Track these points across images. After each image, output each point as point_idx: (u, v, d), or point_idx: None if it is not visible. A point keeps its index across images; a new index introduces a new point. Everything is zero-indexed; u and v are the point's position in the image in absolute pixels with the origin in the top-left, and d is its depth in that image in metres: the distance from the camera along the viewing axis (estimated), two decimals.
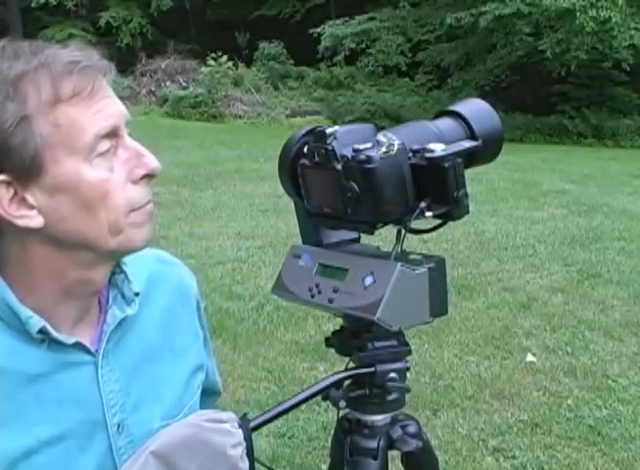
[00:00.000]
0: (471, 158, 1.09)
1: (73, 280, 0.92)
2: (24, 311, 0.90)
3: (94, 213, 0.88)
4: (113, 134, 0.89)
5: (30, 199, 0.86)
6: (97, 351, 0.95)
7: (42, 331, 0.90)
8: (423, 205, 1.02)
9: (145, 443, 0.93)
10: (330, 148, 1.01)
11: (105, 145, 0.88)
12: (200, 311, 1.16)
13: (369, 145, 1.00)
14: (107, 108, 0.88)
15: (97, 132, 0.86)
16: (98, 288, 0.96)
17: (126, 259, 1.00)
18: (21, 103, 0.84)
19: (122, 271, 1.00)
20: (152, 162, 0.91)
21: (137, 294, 1.00)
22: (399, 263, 1.01)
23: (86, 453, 0.94)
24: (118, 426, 0.96)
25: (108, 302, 0.99)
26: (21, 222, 0.87)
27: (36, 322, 0.89)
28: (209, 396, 1.24)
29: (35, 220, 0.87)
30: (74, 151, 0.86)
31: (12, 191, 0.86)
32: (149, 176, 0.91)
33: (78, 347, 0.93)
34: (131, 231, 0.91)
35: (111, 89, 0.91)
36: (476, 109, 1.15)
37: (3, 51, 0.86)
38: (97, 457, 0.94)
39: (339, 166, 1.01)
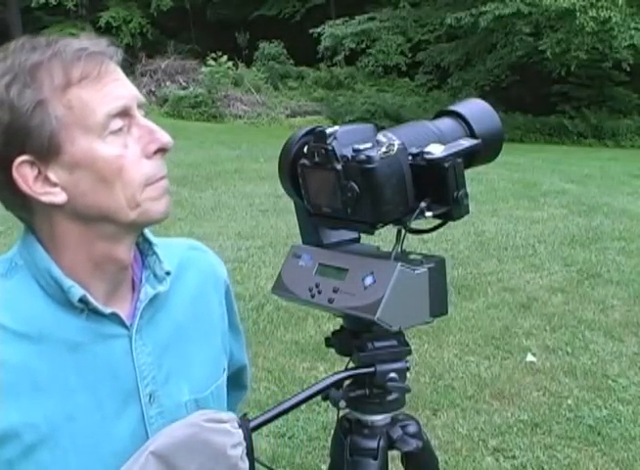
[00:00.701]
0: (471, 157, 1.09)
1: (100, 254, 0.99)
2: (67, 281, 0.97)
3: (111, 188, 0.94)
4: (125, 114, 0.95)
5: (53, 176, 0.94)
6: (131, 325, 1.02)
7: (82, 300, 0.97)
8: (423, 205, 1.02)
9: (174, 414, 1.02)
10: (330, 148, 1.01)
11: (117, 123, 0.94)
12: (229, 297, 1.22)
13: (369, 145, 1.00)
14: (117, 90, 0.95)
15: (108, 112, 0.93)
16: (124, 264, 1.02)
17: (159, 243, 1.09)
18: (37, 89, 0.92)
19: (154, 253, 1.08)
20: (164, 137, 0.98)
21: (168, 273, 1.07)
22: (399, 263, 1.01)
23: (121, 421, 1.00)
24: (150, 396, 1.02)
25: (141, 281, 1.06)
26: (45, 199, 0.94)
27: (78, 291, 0.96)
28: (235, 389, 1.29)
29: (59, 196, 0.94)
30: (88, 130, 0.93)
31: (36, 170, 0.93)
32: (162, 150, 0.98)
33: (114, 319, 1.00)
34: (149, 204, 0.98)
35: (121, 72, 0.98)
36: (476, 109, 1.15)
37: (23, 46, 0.94)
38: (130, 425, 1.00)
39: (339, 166, 1.01)
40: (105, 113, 0.93)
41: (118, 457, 0.97)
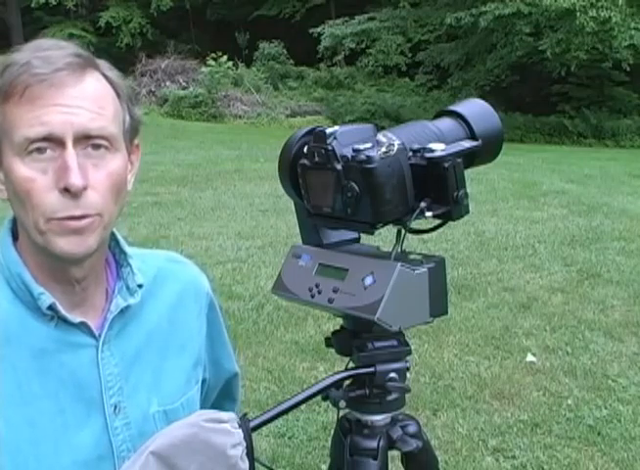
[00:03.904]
0: (471, 158, 1.10)
1: (48, 265, 0.99)
2: (37, 288, 0.98)
3: (24, 207, 0.95)
4: (56, 141, 0.93)
5: (1, 175, 0.98)
6: (100, 335, 1.02)
7: (51, 308, 0.97)
8: (423, 205, 1.02)
9: (141, 425, 1.03)
10: (330, 148, 1.01)
11: (39, 145, 0.93)
12: (212, 308, 1.20)
13: (369, 145, 1.00)
14: (47, 115, 0.92)
15: (26, 135, 0.93)
16: (76, 277, 1.00)
17: (134, 255, 1.09)
18: None
19: (129, 264, 1.07)
20: (72, 178, 0.92)
21: (140, 285, 1.06)
22: (399, 263, 1.01)
23: (83, 430, 0.99)
24: (115, 407, 1.02)
25: (114, 292, 1.06)
26: None
27: (47, 298, 0.97)
28: (227, 401, 1.29)
29: (2, 194, 0.99)
30: (12, 146, 0.94)
31: None
32: (67, 190, 0.93)
33: (83, 328, 1.00)
34: (52, 236, 0.95)
35: (76, 99, 0.94)
36: (476, 109, 1.15)
37: (34, 44, 0.96)
38: (94, 435, 1.00)
39: (339, 167, 1.01)
40: (22, 135, 0.93)
41: (80, 466, 0.97)
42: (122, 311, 1.04)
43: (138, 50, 20.21)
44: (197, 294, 1.18)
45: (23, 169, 0.93)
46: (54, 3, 20.50)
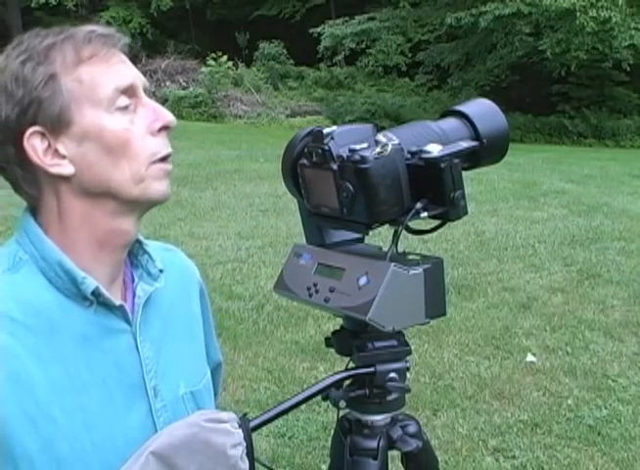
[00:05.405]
0: (475, 159, 1.09)
1: (105, 230, 1.01)
2: (80, 273, 0.98)
3: (117, 160, 0.98)
4: (131, 93, 1.00)
5: (62, 149, 0.97)
6: (133, 320, 1.04)
7: (93, 293, 0.98)
8: (419, 205, 1.02)
9: (174, 407, 1.06)
10: (326, 148, 1.01)
11: (123, 101, 0.99)
12: (203, 296, 1.23)
13: (365, 145, 1.00)
14: (124, 69, 1.01)
15: (116, 86, 0.98)
16: (128, 239, 1.04)
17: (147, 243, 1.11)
18: (49, 65, 0.97)
19: (145, 252, 1.10)
20: (168, 115, 1.02)
21: (162, 270, 1.09)
22: (393, 264, 1.01)
23: (132, 414, 1.02)
24: (154, 390, 1.04)
25: (133, 280, 1.08)
26: (54, 170, 0.97)
27: (91, 282, 0.98)
28: None
29: (67, 168, 0.97)
30: (97, 103, 0.97)
31: (46, 142, 0.97)
32: (166, 128, 1.01)
33: (119, 314, 1.02)
34: (152, 182, 1.00)
35: (126, 58, 1.04)
36: (481, 109, 1.15)
37: (37, 33, 1.00)
38: (140, 418, 1.03)
39: (335, 167, 1.01)
40: (113, 86, 0.97)
41: (131, 448, 0.98)
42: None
43: (138, 50, 20.20)
44: (192, 281, 1.21)
45: (117, 122, 0.97)
46: (54, 3, 20.52)
